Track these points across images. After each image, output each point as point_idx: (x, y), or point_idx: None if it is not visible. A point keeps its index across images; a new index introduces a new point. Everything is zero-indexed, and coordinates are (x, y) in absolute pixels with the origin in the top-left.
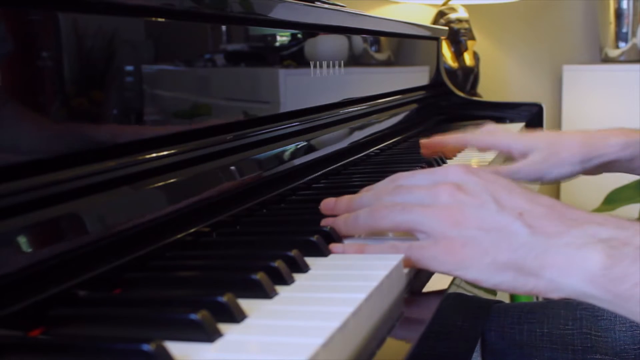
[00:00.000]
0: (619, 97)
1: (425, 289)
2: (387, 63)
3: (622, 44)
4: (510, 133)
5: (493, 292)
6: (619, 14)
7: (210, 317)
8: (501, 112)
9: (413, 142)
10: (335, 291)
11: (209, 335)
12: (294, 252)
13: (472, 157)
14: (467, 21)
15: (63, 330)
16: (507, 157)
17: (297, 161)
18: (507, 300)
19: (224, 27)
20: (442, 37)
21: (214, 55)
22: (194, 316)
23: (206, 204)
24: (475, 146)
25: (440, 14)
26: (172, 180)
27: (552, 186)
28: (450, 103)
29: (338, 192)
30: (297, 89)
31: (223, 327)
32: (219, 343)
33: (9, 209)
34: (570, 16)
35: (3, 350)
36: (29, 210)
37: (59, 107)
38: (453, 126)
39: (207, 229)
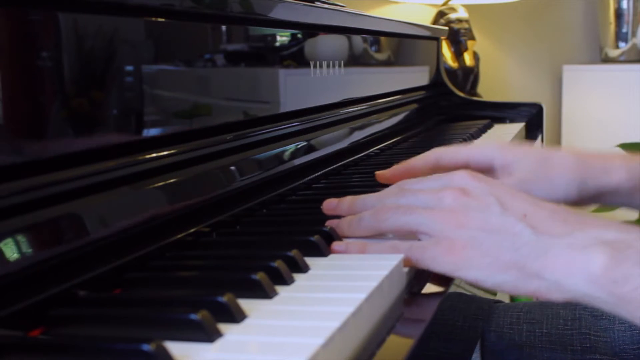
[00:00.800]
0: (619, 97)
1: (425, 289)
2: (387, 63)
3: (622, 44)
4: (493, 144)
5: (493, 292)
6: (619, 14)
7: (210, 317)
8: (501, 112)
9: (413, 142)
10: (335, 291)
11: (209, 335)
12: (294, 252)
13: None
14: (467, 21)
15: (63, 330)
16: (487, 171)
17: (297, 161)
18: (507, 300)
19: (224, 27)
20: (442, 37)
21: (214, 55)
22: (194, 316)
23: (206, 204)
24: (450, 162)
25: (440, 14)
26: (172, 180)
27: None
28: (450, 103)
29: (338, 192)
30: (297, 89)
31: (223, 327)
32: (219, 343)
33: (9, 209)
34: (570, 16)
35: (3, 350)
36: (29, 210)
37: (59, 107)
38: (453, 126)
39: (207, 229)
